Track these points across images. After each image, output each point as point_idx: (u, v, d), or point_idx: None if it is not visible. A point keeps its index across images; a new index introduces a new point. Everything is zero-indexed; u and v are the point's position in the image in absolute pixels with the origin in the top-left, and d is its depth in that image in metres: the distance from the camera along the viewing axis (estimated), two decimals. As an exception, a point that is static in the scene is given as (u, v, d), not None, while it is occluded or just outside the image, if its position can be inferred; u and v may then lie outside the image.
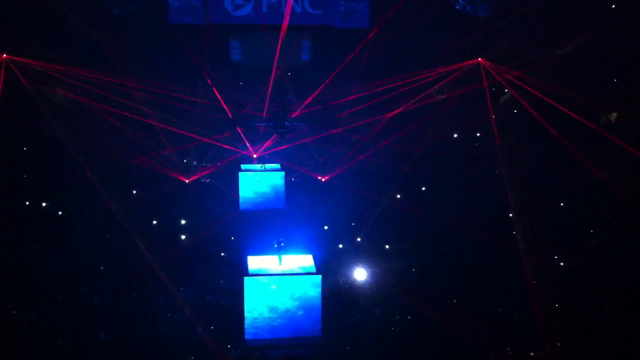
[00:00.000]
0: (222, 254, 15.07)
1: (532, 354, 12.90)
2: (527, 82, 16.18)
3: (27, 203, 15.95)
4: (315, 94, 16.60)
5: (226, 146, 17.46)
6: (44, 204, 16.04)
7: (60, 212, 16.01)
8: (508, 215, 15.78)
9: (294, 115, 16.57)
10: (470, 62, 16.39)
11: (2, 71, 15.55)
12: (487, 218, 15.74)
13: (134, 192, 16.70)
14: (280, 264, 11.59)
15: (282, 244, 11.80)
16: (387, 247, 15.54)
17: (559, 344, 12.93)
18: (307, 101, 16.76)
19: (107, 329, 12.93)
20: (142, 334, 12.98)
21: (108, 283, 14.06)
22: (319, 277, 10.93)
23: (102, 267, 14.55)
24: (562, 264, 14.76)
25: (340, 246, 15.40)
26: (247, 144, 17.35)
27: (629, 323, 12.93)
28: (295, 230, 14.11)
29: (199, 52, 16.40)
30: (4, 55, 15.56)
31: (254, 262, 11.42)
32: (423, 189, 17.10)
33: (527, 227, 15.14)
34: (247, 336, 11.01)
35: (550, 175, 16.63)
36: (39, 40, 15.77)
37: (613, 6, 15.52)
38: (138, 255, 14.55)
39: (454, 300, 13.98)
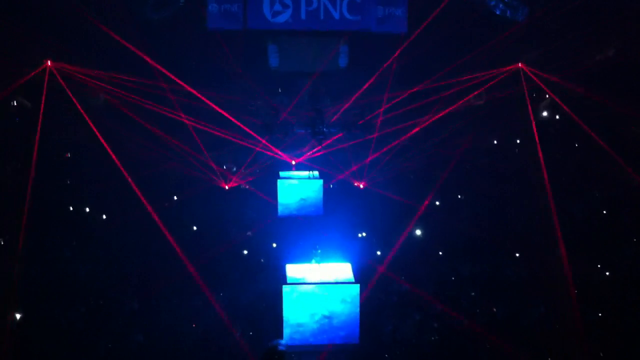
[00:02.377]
0: (261, 260, 15.10)
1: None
2: (567, 87, 15.93)
3: (70, 207, 16.19)
4: (353, 98, 16.56)
5: (265, 151, 17.53)
6: (87, 209, 16.28)
7: (103, 217, 16.22)
8: (548, 222, 15.50)
9: (332, 120, 16.55)
10: (510, 67, 16.18)
11: (46, 77, 15.82)
12: (525, 226, 15.53)
13: (175, 197, 16.85)
14: (316, 262, 11.64)
15: (319, 252, 11.81)
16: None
17: (601, 354, 12.68)
18: (345, 107, 16.73)
19: (143, 332, 13.04)
20: (178, 337, 13.06)
21: (147, 287, 14.17)
22: (357, 286, 10.90)
23: (139, 272, 14.68)
24: (607, 273, 14.43)
25: (379, 253, 15.31)
26: (284, 150, 17.39)
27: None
28: (333, 237, 14.09)
29: (237, 58, 16.48)
30: (48, 63, 15.83)
31: (293, 270, 11.44)
32: (460, 196, 16.90)
33: (568, 234, 14.88)
34: (284, 341, 11.01)
35: (590, 181, 16.32)
36: (81, 47, 16.04)
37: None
38: (178, 260, 14.67)
39: (494, 309, 13.79)
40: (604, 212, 15.92)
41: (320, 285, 10.98)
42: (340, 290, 10.93)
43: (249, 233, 15.62)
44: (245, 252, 15.47)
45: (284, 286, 10.87)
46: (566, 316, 13.35)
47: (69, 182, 16.74)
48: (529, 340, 12.54)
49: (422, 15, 15.40)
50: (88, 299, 13.62)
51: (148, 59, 16.06)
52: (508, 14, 15.03)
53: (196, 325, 13.28)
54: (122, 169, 16.20)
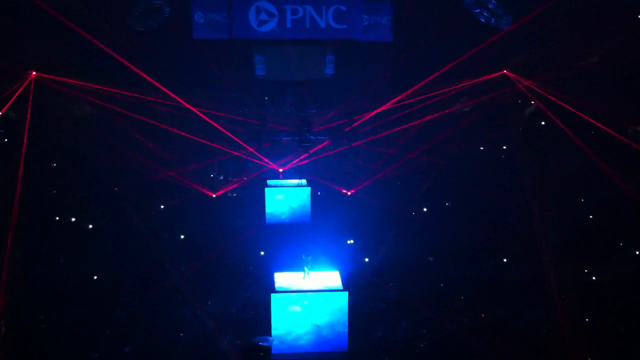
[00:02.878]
0: (249, 268, 15.09)
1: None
2: (552, 93, 16.05)
3: (56, 217, 16.10)
4: (341, 107, 16.59)
5: (252, 159, 17.53)
6: (72, 219, 16.20)
7: (90, 226, 16.15)
8: (533, 228, 15.60)
9: (318, 128, 16.58)
10: (495, 74, 16.28)
11: (32, 88, 15.74)
12: (512, 231, 15.60)
13: (162, 206, 16.80)
14: (304, 277, 11.62)
15: (309, 259, 11.81)
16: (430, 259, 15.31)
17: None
18: (331, 115, 16.76)
19: (131, 341, 12.98)
20: (166, 345, 13.01)
21: (133, 296, 14.13)
22: (346, 293, 10.93)
23: (127, 280, 14.63)
24: (593, 278, 14.53)
25: (367, 260, 15.34)
26: (272, 159, 17.40)
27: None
28: (321, 245, 14.10)
29: (223, 67, 16.48)
30: (33, 73, 15.76)
31: (281, 279, 11.46)
32: (447, 203, 16.97)
33: (553, 240, 14.98)
34: (273, 350, 11.02)
35: (576, 187, 16.43)
36: (66, 57, 15.96)
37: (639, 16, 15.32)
38: (164, 268, 14.62)
39: (482, 315, 13.84)
40: (591, 216, 16.03)
41: (308, 293, 11.01)
42: (328, 298, 10.97)
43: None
44: (262, 253, 15.57)
45: (272, 294, 10.88)
46: (553, 321, 13.46)
47: (54, 191, 16.60)
48: (521, 343, 12.60)
49: (408, 24, 15.47)
50: (74, 309, 13.58)
51: (134, 69, 16.02)
52: (492, 21, 15.08)
53: (184, 334, 13.24)
54: (108, 178, 16.18)
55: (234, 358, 12.57)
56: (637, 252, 15.18)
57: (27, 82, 15.60)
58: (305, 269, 11.89)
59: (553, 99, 16.07)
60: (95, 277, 14.71)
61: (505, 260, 15.22)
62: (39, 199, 15.88)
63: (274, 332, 10.91)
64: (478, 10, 15.06)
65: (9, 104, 15.38)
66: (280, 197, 16.02)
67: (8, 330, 12.33)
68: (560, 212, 15.95)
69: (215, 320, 13.42)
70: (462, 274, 14.93)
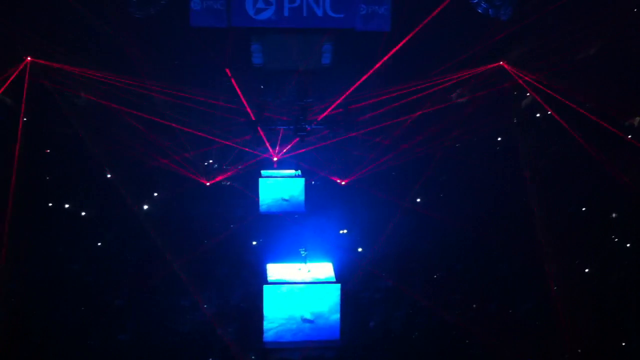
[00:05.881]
0: (242, 257, 15.12)
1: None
2: (548, 85, 16.03)
3: (50, 204, 16.10)
4: (339, 100, 16.55)
5: (247, 149, 17.51)
6: (66, 205, 16.20)
7: (83, 213, 16.16)
8: (529, 219, 15.64)
9: (315, 118, 16.54)
10: (492, 65, 16.24)
11: (27, 74, 15.68)
12: (508, 222, 15.65)
13: (155, 194, 16.80)
14: (300, 269, 11.65)
15: (305, 253, 11.83)
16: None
17: (579, 351, 12.84)
18: (329, 105, 16.73)
19: (126, 330, 13.06)
20: (161, 334, 13.08)
21: (128, 284, 14.17)
22: (338, 285, 10.96)
23: (122, 268, 14.67)
24: (586, 270, 14.60)
25: (360, 250, 15.38)
26: (268, 146, 17.37)
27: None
28: (314, 235, 14.14)
29: (221, 55, 16.42)
30: (28, 59, 15.68)
31: (273, 270, 11.48)
32: (442, 195, 16.99)
33: (549, 231, 15.03)
34: (266, 339, 11.07)
35: (572, 179, 16.45)
36: (62, 43, 15.88)
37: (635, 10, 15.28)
38: (159, 257, 14.66)
39: (474, 305, 13.92)
40: (583, 208, 16.07)
41: (301, 285, 11.04)
42: (321, 290, 10.99)
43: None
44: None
45: (264, 286, 10.91)
46: (547, 312, 13.55)
47: (48, 178, 16.60)
48: (513, 334, 12.69)
49: (407, 14, 15.40)
50: (72, 298, 13.62)
51: (131, 56, 15.98)
52: (490, 12, 15.00)
53: (181, 324, 13.31)
54: (103, 166, 16.17)
55: (230, 346, 12.70)
56: (628, 245, 15.23)
57: (21, 67, 15.52)
58: (304, 264, 11.89)
59: (549, 91, 16.07)
60: (91, 266, 14.69)
61: (500, 251, 15.24)
62: (33, 186, 15.88)
63: (266, 322, 10.93)
64: (476, 1, 14.98)
65: (2, 89, 15.35)
66: (272, 183, 15.99)
67: (4, 320, 12.39)
68: (555, 203, 15.98)
69: (212, 310, 13.53)
70: (456, 264, 15.01)
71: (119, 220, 15.93)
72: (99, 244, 15.46)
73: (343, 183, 17.39)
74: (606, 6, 15.01)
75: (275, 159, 17.39)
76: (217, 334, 13.19)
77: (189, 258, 14.70)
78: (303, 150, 17.12)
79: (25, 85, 15.60)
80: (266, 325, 10.93)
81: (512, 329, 12.98)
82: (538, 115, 16.89)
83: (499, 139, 17.58)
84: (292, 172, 16.48)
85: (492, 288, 14.33)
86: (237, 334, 13.19)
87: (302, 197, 15.83)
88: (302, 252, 11.99)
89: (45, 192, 16.27)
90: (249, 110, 16.97)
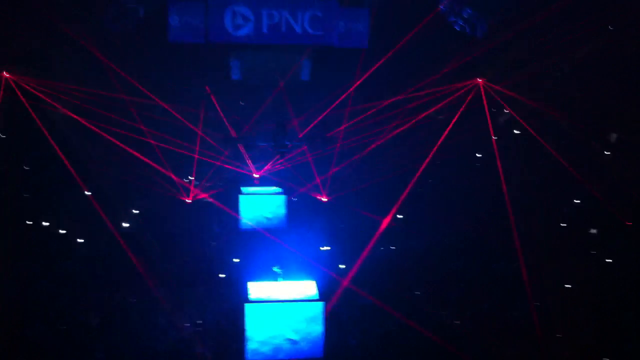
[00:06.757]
0: (222, 275, 15.03)
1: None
2: (525, 102, 16.25)
3: (28, 222, 15.88)
4: (317, 112, 16.59)
5: (227, 165, 17.44)
6: (44, 223, 15.99)
7: (61, 231, 15.96)
8: (510, 235, 15.79)
9: (294, 133, 16.56)
10: (470, 82, 16.43)
11: (1, 89, 15.49)
12: (489, 239, 15.81)
13: (135, 211, 16.66)
14: (278, 280, 11.62)
15: (280, 272, 11.83)
16: None
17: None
18: (306, 119, 16.76)
19: (104, 348, 12.88)
20: (139, 352, 12.92)
21: (106, 302, 14.00)
22: (322, 303, 10.93)
23: (100, 286, 14.48)
24: (567, 286, 14.80)
25: (342, 266, 15.38)
26: (249, 162, 17.32)
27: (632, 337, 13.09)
28: (296, 252, 14.11)
29: (199, 70, 16.39)
30: (4, 73, 15.50)
31: (255, 288, 11.40)
32: (422, 209, 17.08)
33: (529, 246, 15.19)
34: (248, 358, 10.99)
35: (550, 194, 16.67)
36: (39, 58, 15.74)
37: (610, 27, 15.57)
38: (137, 274, 14.51)
39: (456, 322, 14.00)
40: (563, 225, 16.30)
41: (283, 303, 10.99)
42: (304, 308, 10.95)
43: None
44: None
45: (246, 304, 10.83)
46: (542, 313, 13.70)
47: (25, 195, 16.37)
48: (497, 343, 12.78)
49: (385, 31, 15.54)
50: (48, 316, 13.43)
51: (108, 71, 15.88)
52: (467, 30, 15.22)
53: (159, 341, 13.17)
54: (80, 182, 15.99)
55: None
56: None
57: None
58: (279, 278, 11.84)
59: (526, 107, 16.30)
60: (67, 284, 14.48)
61: (481, 268, 15.39)
62: (11, 202, 15.65)
63: (249, 341, 10.85)
64: (453, 19, 15.18)
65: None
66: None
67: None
68: (534, 215, 16.17)
69: (190, 328, 13.41)
70: (437, 281, 15.10)
71: (97, 238, 15.71)
72: (75, 262, 15.21)
73: (324, 199, 17.39)
74: (578, 20, 15.29)
75: (256, 175, 17.34)
76: (197, 353, 13.09)
77: (169, 275, 14.57)
78: (283, 166, 17.12)
79: (0, 100, 15.40)
80: (248, 344, 10.84)
81: (495, 345, 13.07)
82: (515, 131, 17.12)
83: (478, 155, 17.75)
84: (273, 188, 16.44)
85: (475, 303, 14.43)
86: (216, 353, 13.09)
87: (283, 212, 15.83)
88: (276, 270, 11.98)
89: (22, 209, 16.01)
90: (228, 126, 16.94)
